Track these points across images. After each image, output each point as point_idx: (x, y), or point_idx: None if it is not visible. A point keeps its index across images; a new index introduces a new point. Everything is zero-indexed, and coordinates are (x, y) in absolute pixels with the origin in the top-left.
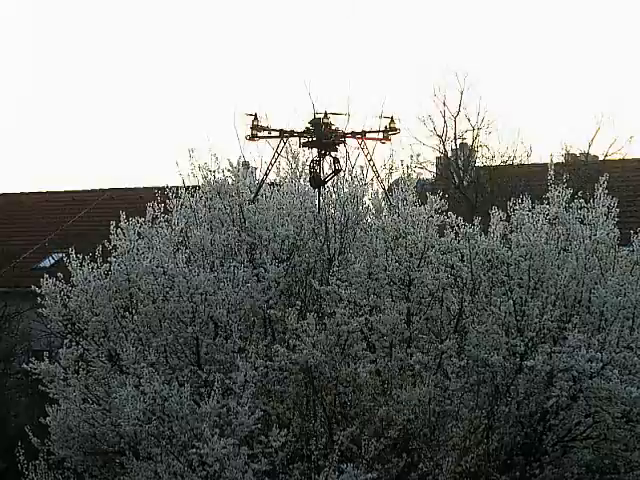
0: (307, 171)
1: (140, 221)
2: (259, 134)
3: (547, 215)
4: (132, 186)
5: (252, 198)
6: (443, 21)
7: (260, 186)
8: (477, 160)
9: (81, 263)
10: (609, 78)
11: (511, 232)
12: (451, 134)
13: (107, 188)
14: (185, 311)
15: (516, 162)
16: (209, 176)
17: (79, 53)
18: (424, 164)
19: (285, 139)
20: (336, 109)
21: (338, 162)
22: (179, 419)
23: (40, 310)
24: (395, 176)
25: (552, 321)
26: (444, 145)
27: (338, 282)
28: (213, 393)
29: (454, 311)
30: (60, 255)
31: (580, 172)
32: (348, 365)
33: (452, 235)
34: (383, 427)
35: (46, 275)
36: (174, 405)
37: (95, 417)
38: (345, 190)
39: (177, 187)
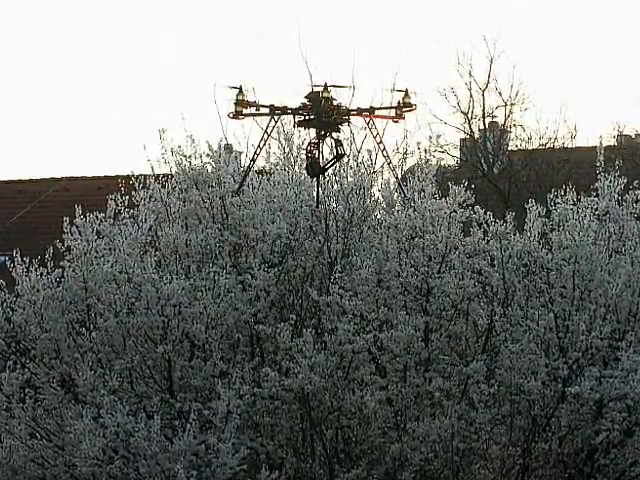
0: (303, 156)
1: (100, 217)
2: (245, 111)
3: (596, 210)
4: (90, 175)
5: (236, 189)
6: None
7: (246, 174)
8: (510, 143)
9: (28, 268)
10: None
11: (552, 230)
12: (478, 111)
13: (60, 177)
14: (155, 326)
15: (558, 145)
16: (184, 162)
17: (26, 25)
18: (446, 147)
19: (277, 117)
20: (339, 81)
21: (341, 145)
22: (147, 458)
23: None
24: (410, 162)
25: (602, 339)
26: (470, 124)
27: (341, 291)
28: (189, 426)
29: (482, 326)
30: (2, 258)
31: (636, 157)
32: (353, 392)
33: (480, 234)
34: (396, 468)
35: None
36: (141, 441)
37: (45, 456)
38: (349, 179)
39: (145, 176)
